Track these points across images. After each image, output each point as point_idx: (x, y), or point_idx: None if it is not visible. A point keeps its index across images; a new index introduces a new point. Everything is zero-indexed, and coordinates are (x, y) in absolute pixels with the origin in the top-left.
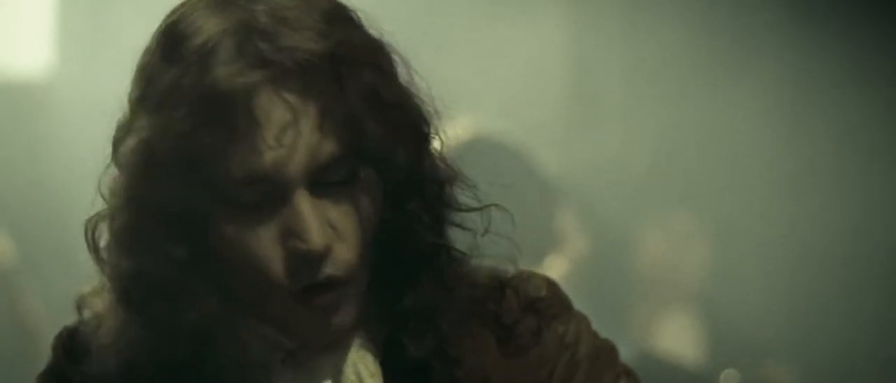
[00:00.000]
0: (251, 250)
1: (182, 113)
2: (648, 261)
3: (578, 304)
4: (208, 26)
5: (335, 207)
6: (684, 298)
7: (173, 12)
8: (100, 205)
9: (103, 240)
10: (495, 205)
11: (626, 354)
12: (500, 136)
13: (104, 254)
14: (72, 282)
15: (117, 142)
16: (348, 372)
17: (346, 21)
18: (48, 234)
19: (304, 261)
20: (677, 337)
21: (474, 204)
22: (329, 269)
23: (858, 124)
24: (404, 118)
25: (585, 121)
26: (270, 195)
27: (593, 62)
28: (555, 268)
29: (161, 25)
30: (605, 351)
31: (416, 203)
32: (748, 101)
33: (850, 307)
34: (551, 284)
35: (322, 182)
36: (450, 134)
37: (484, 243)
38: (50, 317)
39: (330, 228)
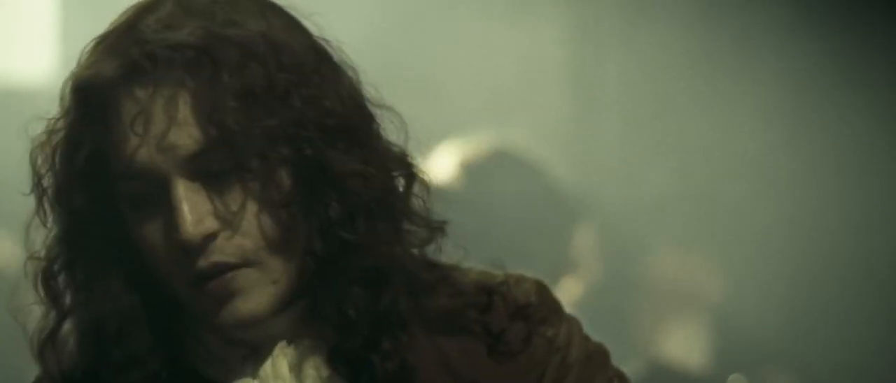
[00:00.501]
0: (147, 243)
1: (65, 121)
2: (652, 268)
3: (582, 312)
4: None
5: (223, 196)
6: (690, 305)
7: None
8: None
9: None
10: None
11: (632, 362)
12: (520, 152)
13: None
14: None
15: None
16: (306, 367)
17: (275, 17)
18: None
19: (183, 251)
20: (683, 345)
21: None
22: (216, 257)
23: (862, 129)
24: (315, 117)
25: (584, 129)
26: (152, 187)
27: (592, 68)
28: (571, 288)
29: None
30: (597, 354)
31: (333, 200)
32: (750, 106)
33: (856, 313)
34: (540, 288)
35: (199, 171)
36: (467, 148)
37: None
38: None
39: (214, 217)
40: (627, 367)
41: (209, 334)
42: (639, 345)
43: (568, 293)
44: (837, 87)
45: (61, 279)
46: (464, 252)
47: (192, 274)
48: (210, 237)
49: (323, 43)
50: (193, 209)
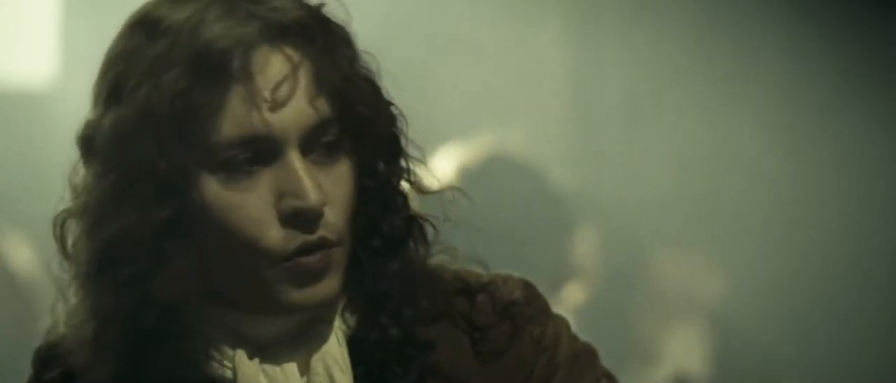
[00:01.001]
0: (240, 213)
1: (175, 74)
2: (653, 270)
3: (584, 319)
4: (189, 4)
5: (322, 171)
6: (691, 307)
7: (139, 10)
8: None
9: (71, 235)
10: (458, 188)
11: (633, 371)
12: (519, 155)
13: (72, 248)
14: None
15: (90, 132)
16: (316, 365)
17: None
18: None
19: (301, 220)
20: (685, 353)
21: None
22: (322, 232)
23: (862, 130)
24: (378, 96)
25: (586, 136)
26: (263, 154)
27: (592, 71)
28: (573, 292)
29: (130, 21)
30: (585, 353)
31: (393, 178)
32: (752, 113)
33: (857, 314)
34: (527, 287)
35: (313, 143)
36: (467, 151)
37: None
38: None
39: (323, 192)
40: (641, 376)
41: (223, 331)
42: (640, 348)
43: (570, 297)
44: (837, 89)
45: (111, 260)
46: (458, 254)
47: (292, 247)
48: (323, 207)
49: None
50: (313, 180)
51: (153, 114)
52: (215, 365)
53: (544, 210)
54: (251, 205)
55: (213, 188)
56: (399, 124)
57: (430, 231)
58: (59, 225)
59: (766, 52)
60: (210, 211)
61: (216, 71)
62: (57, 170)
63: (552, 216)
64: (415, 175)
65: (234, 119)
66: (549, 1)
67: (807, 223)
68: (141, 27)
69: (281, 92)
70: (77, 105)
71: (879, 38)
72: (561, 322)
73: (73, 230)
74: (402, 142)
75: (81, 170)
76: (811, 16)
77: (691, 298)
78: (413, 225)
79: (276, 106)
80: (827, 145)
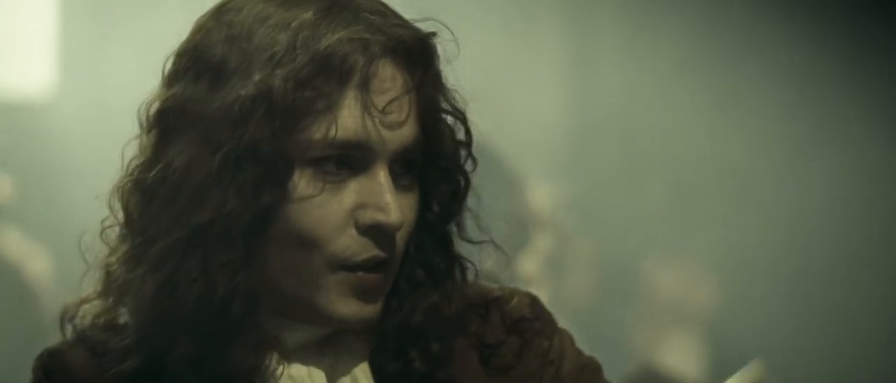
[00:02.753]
0: (319, 213)
1: (297, 66)
2: (652, 283)
3: (582, 327)
4: (306, 4)
5: (400, 194)
6: (686, 316)
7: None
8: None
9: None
10: (493, 242)
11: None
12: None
13: (139, 220)
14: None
15: (170, 106)
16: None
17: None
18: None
19: (377, 234)
20: (682, 360)
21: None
22: (390, 251)
23: (867, 140)
24: (455, 138)
25: (585, 141)
26: (354, 161)
27: (593, 77)
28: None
29: (231, 8)
30: (590, 367)
31: (450, 218)
32: (751, 118)
33: (855, 328)
34: (534, 302)
35: (400, 162)
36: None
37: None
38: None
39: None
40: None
41: (249, 336)
42: (636, 356)
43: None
44: (837, 94)
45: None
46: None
47: (360, 257)
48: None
49: None
50: (395, 197)
51: (270, 99)
52: (252, 360)
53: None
54: (331, 208)
55: (302, 182)
56: (467, 169)
57: (469, 272)
58: (124, 194)
59: (766, 61)
60: (294, 205)
61: (337, 71)
62: (54, 177)
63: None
64: (463, 220)
65: (342, 120)
66: (547, 19)
67: (804, 232)
68: (251, 16)
69: (392, 107)
70: (74, 114)
71: (877, 43)
72: (566, 336)
73: (137, 202)
74: (465, 186)
75: (148, 143)
76: (811, 18)
77: (687, 309)
78: (456, 264)
79: (385, 119)
80: (826, 156)
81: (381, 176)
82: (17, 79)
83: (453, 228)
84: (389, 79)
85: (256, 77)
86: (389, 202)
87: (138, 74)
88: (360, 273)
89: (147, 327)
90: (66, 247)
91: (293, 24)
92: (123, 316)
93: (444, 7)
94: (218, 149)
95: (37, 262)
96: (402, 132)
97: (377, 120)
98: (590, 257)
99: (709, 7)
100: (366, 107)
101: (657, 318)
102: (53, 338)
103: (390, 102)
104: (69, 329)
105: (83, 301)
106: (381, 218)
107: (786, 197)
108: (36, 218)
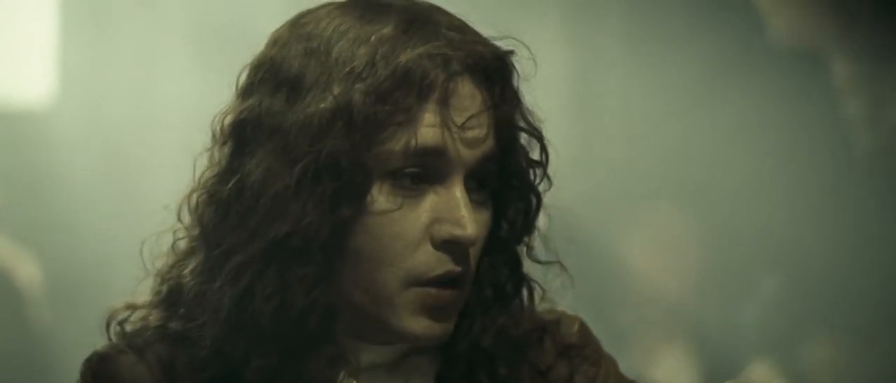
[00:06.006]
0: (396, 227)
1: (377, 80)
2: (646, 284)
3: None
4: (383, 17)
5: (475, 210)
6: (681, 324)
7: (311, 16)
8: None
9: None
10: (560, 263)
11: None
12: None
13: (213, 233)
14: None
15: (245, 118)
16: None
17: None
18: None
19: (453, 249)
20: (673, 365)
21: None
22: (464, 267)
23: (863, 155)
24: (530, 158)
25: (585, 135)
26: (431, 173)
27: (592, 76)
28: None
29: (307, 22)
30: None
31: (522, 237)
32: (750, 120)
33: (852, 338)
34: (582, 327)
35: (476, 176)
36: None
37: None
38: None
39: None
40: None
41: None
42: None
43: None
44: (837, 98)
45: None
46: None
47: (435, 272)
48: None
49: None
50: (471, 211)
51: (350, 113)
52: (326, 375)
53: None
54: (408, 222)
55: (380, 196)
56: (540, 190)
57: (536, 293)
58: (198, 205)
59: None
60: (371, 219)
61: (417, 87)
62: (54, 186)
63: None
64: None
65: (422, 133)
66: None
67: (801, 237)
68: (329, 29)
69: (471, 123)
70: (74, 123)
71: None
72: (611, 363)
73: (212, 214)
74: (536, 205)
75: (223, 155)
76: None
77: (680, 318)
78: (524, 284)
79: (463, 135)
80: (826, 155)
81: (458, 190)
82: (13, 86)
83: (522, 248)
84: (469, 96)
85: (336, 90)
86: (465, 216)
87: (135, 82)
88: (433, 289)
89: (223, 341)
90: (56, 253)
91: (373, 39)
92: (173, 324)
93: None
94: (296, 162)
95: (27, 269)
96: (479, 148)
97: (456, 135)
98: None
99: (714, 13)
100: (445, 122)
101: (648, 318)
102: (44, 344)
103: (469, 119)
104: (116, 332)
105: (133, 306)
106: (457, 232)
107: (790, 194)
108: (27, 224)
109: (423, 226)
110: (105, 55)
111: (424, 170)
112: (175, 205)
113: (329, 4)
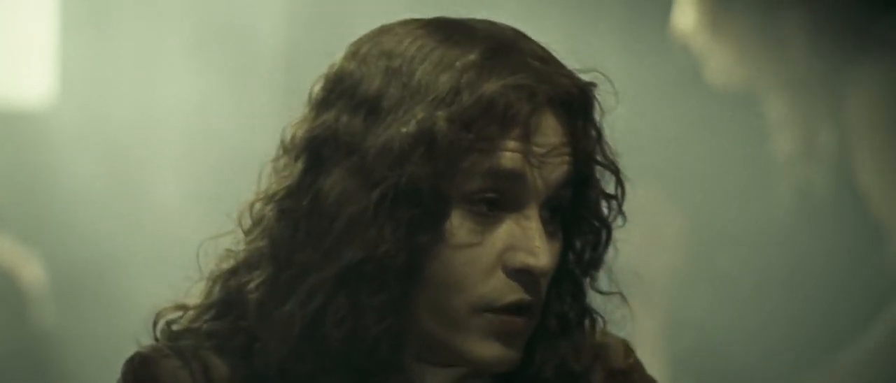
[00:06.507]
0: (470, 254)
1: (460, 109)
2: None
3: None
4: (468, 44)
5: (548, 239)
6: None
7: (392, 35)
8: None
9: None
10: (621, 294)
11: None
12: None
13: (284, 249)
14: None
15: (319, 134)
16: None
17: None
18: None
19: (525, 278)
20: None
21: None
22: (535, 296)
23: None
24: (603, 192)
25: None
26: (508, 198)
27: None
28: None
29: (387, 41)
30: None
31: (589, 269)
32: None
33: (847, 338)
34: (628, 351)
35: (548, 207)
36: None
37: None
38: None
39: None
40: None
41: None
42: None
43: None
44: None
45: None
46: None
47: (507, 300)
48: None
49: None
50: (545, 241)
51: (432, 139)
52: None
53: None
54: (483, 250)
55: (457, 223)
56: (610, 222)
57: (598, 323)
58: (268, 220)
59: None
60: (447, 246)
61: (501, 117)
62: (54, 186)
63: None
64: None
65: (502, 160)
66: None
67: (800, 239)
68: (412, 49)
69: (551, 155)
70: (74, 123)
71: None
72: None
73: (282, 229)
74: (606, 239)
75: (295, 170)
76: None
77: (676, 316)
78: (587, 316)
79: (543, 166)
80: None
81: (534, 219)
82: (13, 86)
83: (586, 278)
84: (551, 128)
85: (418, 115)
86: (540, 246)
87: (135, 82)
88: (504, 316)
89: (289, 359)
90: (56, 253)
91: (457, 65)
92: (230, 334)
93: (442, 6)
94: (375, 185)
95: (27, 269)
96: (557, 178)
97: (535, 165)
98: None
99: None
100: (525, 152)
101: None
102: (45, 344)
103: (550, 151)
104: (162, 331)
105: (183, 307)
106: (531, 261)
107: (788, 195)
108: (28, 224)
109: (497, 253)
110: (105, 55)
111: (501, 196)
112: (236, 212)
113: (411, 22)
